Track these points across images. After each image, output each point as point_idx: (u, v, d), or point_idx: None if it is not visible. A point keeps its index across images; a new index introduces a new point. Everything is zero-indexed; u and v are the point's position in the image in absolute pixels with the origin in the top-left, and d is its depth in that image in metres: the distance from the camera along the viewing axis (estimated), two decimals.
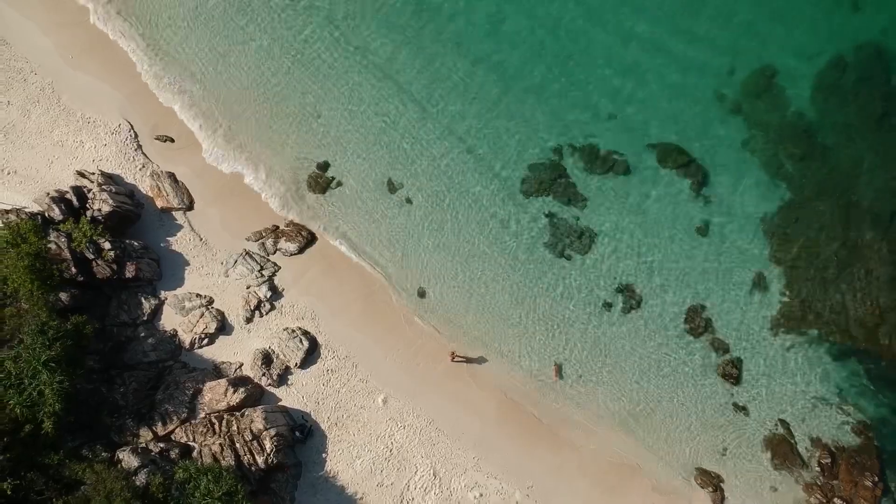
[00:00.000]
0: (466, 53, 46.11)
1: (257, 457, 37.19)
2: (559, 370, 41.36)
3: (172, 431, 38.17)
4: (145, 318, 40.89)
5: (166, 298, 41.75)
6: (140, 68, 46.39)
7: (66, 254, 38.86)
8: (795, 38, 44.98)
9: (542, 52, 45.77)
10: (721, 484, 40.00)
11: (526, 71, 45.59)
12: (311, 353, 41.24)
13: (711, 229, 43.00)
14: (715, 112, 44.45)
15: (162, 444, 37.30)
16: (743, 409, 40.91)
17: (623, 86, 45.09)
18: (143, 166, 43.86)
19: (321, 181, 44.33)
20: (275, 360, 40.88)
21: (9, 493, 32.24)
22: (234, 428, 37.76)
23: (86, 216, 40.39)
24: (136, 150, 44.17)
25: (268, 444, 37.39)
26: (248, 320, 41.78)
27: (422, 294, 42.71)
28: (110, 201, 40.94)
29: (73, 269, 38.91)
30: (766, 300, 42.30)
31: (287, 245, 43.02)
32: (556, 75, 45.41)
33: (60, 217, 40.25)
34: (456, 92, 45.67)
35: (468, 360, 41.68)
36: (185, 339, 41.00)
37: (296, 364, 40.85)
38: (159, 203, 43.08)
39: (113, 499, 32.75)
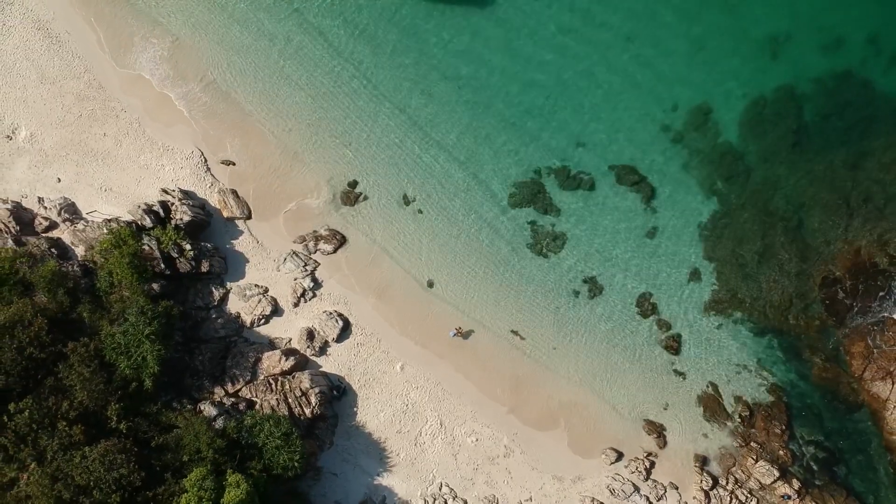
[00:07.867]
0: (466, 98, 51.28)
1: (305, 409, 44.13)
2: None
3: (239, 390, 44.87)
4: (215, 303, 47.28)
5: (231, 288, 47.90)
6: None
7: (156, 253, 45.22)
8: (727, 81, 50.78)
9: (529, 96, 51.33)
10: (664, 432, 46.83)
11: (514, 111, 51.04)
12: (345, 331, 47.48)
13: (658, 233, 49.33)
14: (662, 140, 50.41)
15: (232, 399, 44.16)
16: (681, 374, 47.77)
17: (590, 121, 50.76)
18: (212, 184, 49.47)
19: (351, 196, 50.05)
20: (316, 336, 47.26)
21: (124, 431, 39.62)
22: (287, 387, 44.50)
23: (171, 224, 46.49)
24: (205, 171, 49.73)
25: (313, 399, 44.24)
26: (296, 305, 47.93)
27: (430, 284, 48.95)
28: (189, 212, 47.12)
29: (162, 266, 45.26)
30: (701, 289, 49.02)
31: (325, 246, 48.90)
32: (537, 114, 50.97)
33: (150, 225, 46.37)
34: (457, 125, 50.96)
35: (467, 336, 47.98)
36: (247, 319, 47.30)
37: (333, 339, 47.22)
38: (225, 213, 48.88)
39: (200, 437, 39.57)
